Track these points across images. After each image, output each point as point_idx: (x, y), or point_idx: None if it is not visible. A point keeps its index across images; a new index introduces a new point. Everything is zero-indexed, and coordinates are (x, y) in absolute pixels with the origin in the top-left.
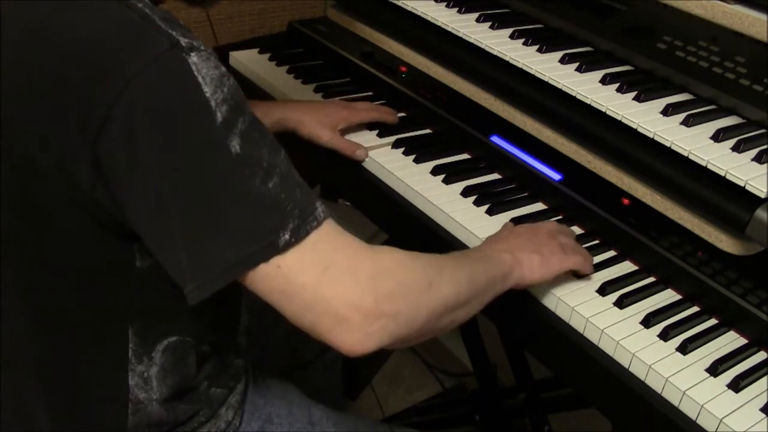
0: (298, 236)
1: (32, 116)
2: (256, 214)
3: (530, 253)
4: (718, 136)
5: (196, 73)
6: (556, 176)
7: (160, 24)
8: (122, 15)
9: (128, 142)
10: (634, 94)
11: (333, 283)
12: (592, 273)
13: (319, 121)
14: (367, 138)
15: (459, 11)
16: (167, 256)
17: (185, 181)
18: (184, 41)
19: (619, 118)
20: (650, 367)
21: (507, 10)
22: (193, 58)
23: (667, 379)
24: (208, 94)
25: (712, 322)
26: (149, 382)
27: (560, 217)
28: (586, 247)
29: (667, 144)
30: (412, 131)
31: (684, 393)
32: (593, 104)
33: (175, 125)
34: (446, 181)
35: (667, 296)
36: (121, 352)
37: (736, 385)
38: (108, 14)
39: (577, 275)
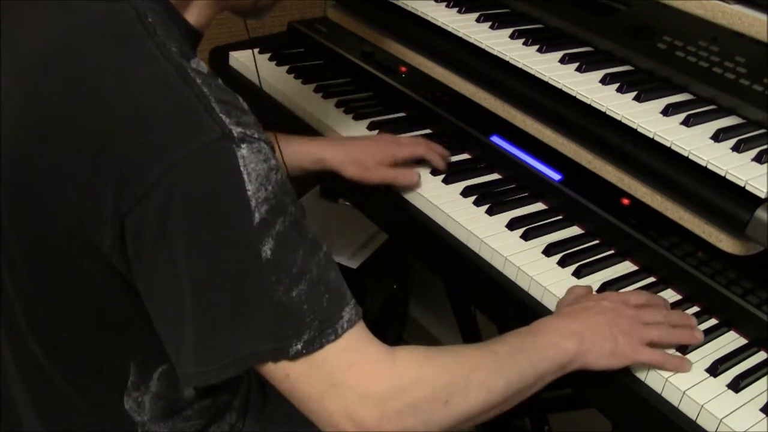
0: (310, 348)
1: (70, 167)
2: (272, 320)
3: (603, 340)
4: (718, 136)
5: (242, 168)
6: (556, 176)
7: (214, 107)
8: (179, 91)
9: (160, 224)
10: (634, 94)
11: (337, 399)
12: (685, 370)
13: (361, 161)
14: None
15: (459, 11)
16: (169, 333)
17: (209, 274)
18: (236, 131)
19: (619, 118)
20: (650, 367)
21: (507, 10)
22: (243, 150)
23: (667, 379)
24: (250, 192)
25: (712, 322)
26: (142, 405)
27: (560, 217)
28: (586, 248)
29: (667, 144)
30: (412, 131)
31: (684, 393)
32: (593, 104)
33: (210, 219)
34: (446, 181)
35: (667, 296)
36: (121, 383)
37: (736, 385)
38: (165, 88)
39: None
